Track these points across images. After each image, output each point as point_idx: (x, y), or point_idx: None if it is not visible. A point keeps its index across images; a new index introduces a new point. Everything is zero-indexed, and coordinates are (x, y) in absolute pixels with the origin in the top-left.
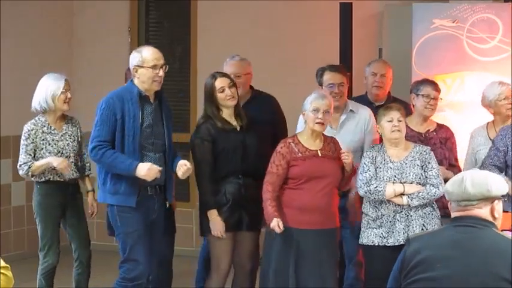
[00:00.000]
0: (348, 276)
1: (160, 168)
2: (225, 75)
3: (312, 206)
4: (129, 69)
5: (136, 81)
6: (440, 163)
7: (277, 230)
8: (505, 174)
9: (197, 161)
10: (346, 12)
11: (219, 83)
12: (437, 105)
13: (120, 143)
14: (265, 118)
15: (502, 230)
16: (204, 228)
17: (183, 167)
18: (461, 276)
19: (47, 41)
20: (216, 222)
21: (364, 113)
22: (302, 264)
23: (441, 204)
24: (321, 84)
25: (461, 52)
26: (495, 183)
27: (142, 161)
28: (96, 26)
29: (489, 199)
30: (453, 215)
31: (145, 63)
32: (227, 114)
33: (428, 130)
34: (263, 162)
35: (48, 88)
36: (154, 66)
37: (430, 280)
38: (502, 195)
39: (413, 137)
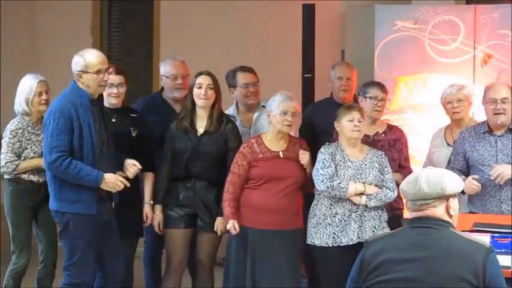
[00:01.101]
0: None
1: (124, 180)
2: (210, 75)
3: (269, 206)
4: None
5: (80, 85)
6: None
7: (233, 232)
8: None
9: (159, 158)
10: (308, 14)
11: (200, 79)
12: (385, 106)
13: (78, 151)
14: None
15: (462, 231)
16: (166, 223)
17: (133, 167)
18: (421, 278)
19: (9, 41)
20: (156, 218)
21: None
22: (259, 264)
23: (389, 206)
24: (234, 86)
25: (423, 54)
26: (449, 181)
27: (98, 165)
28: (58, 26)
29: (444, 197)
30: (410, 215)
31: (89, 68)
32: (201, 114)
33: (377, 132)
34: (220, 168)
35: (22, 91)
36: (98, 71)
37: (390, 282)
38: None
39: (362, 140)
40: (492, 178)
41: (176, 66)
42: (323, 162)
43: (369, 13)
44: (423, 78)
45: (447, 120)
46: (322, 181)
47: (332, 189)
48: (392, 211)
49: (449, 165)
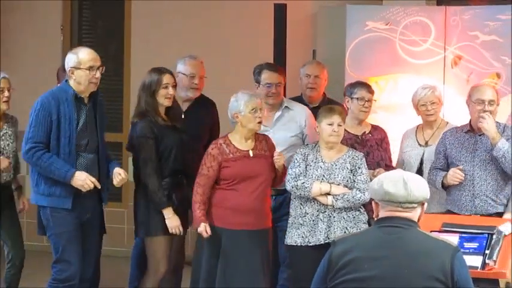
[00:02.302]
0: (280, 277)
1: (94, 180)
2: (171, 73)
3: (246, 207)
4: (62, 69)
5: (72, 82)
6: (378, 165)
7: (205, 235)
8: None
9: (143, 160)
10: (280, 13)
11: (166, 79)
12: (372, 107)
13: (55, 145)
14: (204, 122)
15: (431, 231)
16: (152, 228)
17: (119, 176)
18: (389, 276)
19: None
20: (174, 220)
21: (300, 110)
22: (233, 265)
23: (371, 207)
24: (258, 82)
25: (394, 54)
26: (427, 186)
27: (76, 161)
28: (28, 24)
29: (424, 202)
30: (383, 214)
31: (81, 64)
32: (162, 112)
33: (365, 132)
34: (196, 163)
35: None
36: (90, 68)
37: (358, 281)
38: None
39: (350, 139)
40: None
41: (195, 65)
42: (294, 162)
43: (340, 13)
44: (394, 79)
45: (418, 121)
46: (288, 180)
47: (296, 188)
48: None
49: (432, 164)
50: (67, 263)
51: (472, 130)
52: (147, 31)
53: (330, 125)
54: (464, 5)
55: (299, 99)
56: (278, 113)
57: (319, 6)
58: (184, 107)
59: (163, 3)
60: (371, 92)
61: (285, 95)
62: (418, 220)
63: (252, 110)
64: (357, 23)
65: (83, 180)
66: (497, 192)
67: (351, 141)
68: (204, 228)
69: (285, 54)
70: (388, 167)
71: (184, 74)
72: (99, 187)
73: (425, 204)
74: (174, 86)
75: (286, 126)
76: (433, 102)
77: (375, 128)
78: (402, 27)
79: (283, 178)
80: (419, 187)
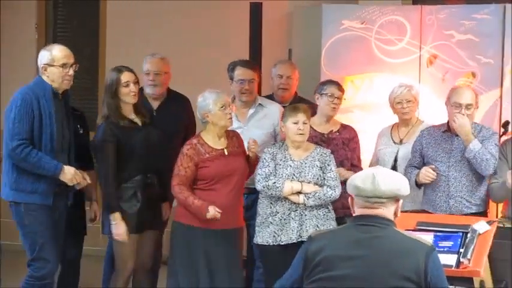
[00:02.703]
0: (256, 273)
1: (86, 176)
2: (131, 70)
3: (224, 205)
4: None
5: (45, 79)
6: (341, 164)
7: (218, 216)
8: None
9: (101, 163)
10: (256, 12)
11: (125, 77)
12: (341, 105)
13: (38, 141)
14: (178, 118)
15: (405, 230)
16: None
17: (83, 180)
18: (364, 275)
19: None
20: (120, 227)
21: (274, 108)
22: (212, 264)
23: (341, 204)
24: (231, 78)
25: (369, 53)
26: (403, 183)
27: (57, 157)
28: (2, 22)
29: (396, 198)
30: (357, 212)
31: (55, 61)
32: (127, 110)
33: (332, 131)
34: (169, 161)
35: None
36: (64, 65)
37: (332, 279)
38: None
39: (315, 137)
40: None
41: (152, 63)
42: (262, 162)
43: (316, 12)
44: (370, 78)
45: (394, 120)
46: (259, 181)
47: (268, 188)
48: (343, 210)
49: (408, 162)
50: (45, 261)
51: (449, 130)
52: (122, 30)
53: (295, 123)
54: (439, 4)
55: (271, 98)
56: (252, 110)
57: (295, 6)
58: (155, 104)
59: (139, 3)
60: (341, 90)
61: (260, 94)
62: (395, 217)
63: (222, 107)
64: (332, 22)
65: (72, 174)
66: (472, 193)
67: (316, 139)
68: (214, 211)
69: (260, 53)
70: (355, 167)
71: (144, 71)
72: (89, 182)
73: (400, 201)
74: (136, 83)
75: (259, 124)
76: (409, 101)
77: (345, 127)
78: (378, 26)
79: (255, 166)
80: (388, 182)
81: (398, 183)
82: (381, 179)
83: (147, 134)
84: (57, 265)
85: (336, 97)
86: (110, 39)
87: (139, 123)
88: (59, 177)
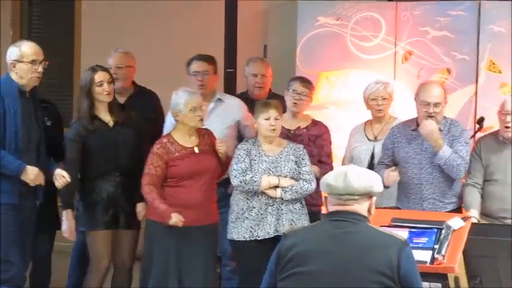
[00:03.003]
0: (224, 270)
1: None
2: (105, 69)
3: (193, 202)
4: None
5: (14, 75)
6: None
7: (180, 224)
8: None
9: (67, 161)
10: (231, 9)
11: (99, 76)
12: (309, 102)
13: (2, 140)
14: (146, 115)
15: (380, 226)
16: (91, 223)
17: (62, 179)
18: (337, 270)
19: None
20: (69, 224)
21: (233, 102)
22: (185, 261)
23: (306, 202)
24: (189, 73)
25: (345, 50)
26: (376, 180)
27: (21, 157)
28: None
29: (369, 195)
30: (330, 209)
31: (24, 58)
32: (101, 109)
33: (299, 127)
34: (141, 160)
35: None
36: (33, 62)
37: (306, 274)
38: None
39: (282, 133)
40: (423, 131)
41: (114, 57)
42: (237, 157)
43: (291, 9)
44: (345, 74)
45: (368, 116)
46: (236, 176)
47: (245, 183)
48: (309, 207)
49: (378, 160)
50: (10, 263)
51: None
52: (97, 26)
53: (266, 119)
54: (415, 1)
55: (244, 95)
56: (211, 105)
57: (271, 2)
58: (121, 100)
59: (114, 3)
60: (306, 86)
61: (235, 90)
62: (370, 214)
63: (191, 109)
64: (308, 18)
65: (35, 174)
66: (445, 194)
67: (282, 136)
68: (177, 219)
69: (235, 50)
70: (323, 164)
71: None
72: (69, 180)
73: (374, 198)
74: (111, 82)
75: (220, 118)
76: (384, 98)
77: (315, 123)
78: (353, 22)
79: (227, 166)
80: (361, 179)
81: (371, 180)
82: (353, 176)
83: (115, 134)
84: (23, 267)
85: (298, 93)
86: (85, 37)
87: (111, 123)
88: (21, 177)
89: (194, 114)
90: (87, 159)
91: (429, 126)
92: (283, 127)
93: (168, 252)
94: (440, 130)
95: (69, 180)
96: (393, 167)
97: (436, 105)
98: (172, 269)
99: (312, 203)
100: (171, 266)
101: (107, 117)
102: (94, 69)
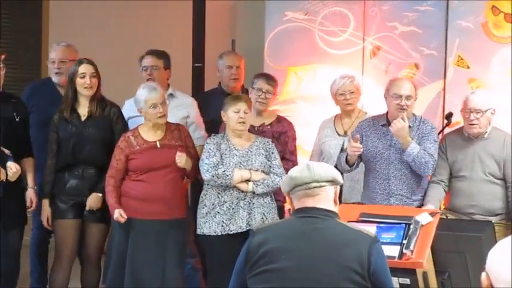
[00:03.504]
0: (185, 268)
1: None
2: (91, 63)
3: (153, 196)
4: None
5: None
6: None
7: (121, 220)
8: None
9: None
10: (199, 3)
11: (82, 68)
12: (274, 99)
13: None
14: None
15: (348, 221)
16: (57, 212)
17: (10, 170)
18: (306, 267)
19: None
20: (44, 213)
21: (185, 99)
22: (143, 254)
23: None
24: (140, 68)
25: (313, 45)
26: (337, 171)
27: None
28: None
29: (334, 183)
30: (297, 205)
31: None
32: (82, 102)
33: (263, 124)
34: (108, 154)
35: None
36: None
37: (275, 272)
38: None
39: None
40: (393, 129)
41: (55, 51)
42: (208, 152)
43: (259, 4)
44: (313, 69)
45: (336, 111)
46: (207, 170)
47: (217, 177)
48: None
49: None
50: None
51: (389, 123)
52: (65, 21)
53: (236, 112)
54: None
55: (218, 90)
56: None
57: None
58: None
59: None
60: (270, 84)
61: (204, 84)
62: (336, 204)
63: (152, 106)
64: (276, 13)
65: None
66: (412, 190)
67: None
68: (118, 214)
69: (203, 44)
70: (286, 160)
71: (49, 60)
72: (16, 170)
73: (338, 188)
74: (94, 77)
75: (171, 114)
76: (352, 92)
77: (280, 120)
78: (321, 17)
79: (193, 174)
80: (324, 167)
81: (333, 169)
82: (316, 165)
83: (82, 127)
84: None
85: (263, 91)
86: (53, 30)
87: (84, 117)
88: None
89: (154, 110)
90: (57, 150)
91: (399, 124)
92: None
93: (125, 245)
94: (409, 127)
95: (18, 171)
96: (357, 136)
97: (407, 97)
98: (128, 264)
99: (275, 198)
100: (128, 260)
101: (84, 111)
102: (80, 62)
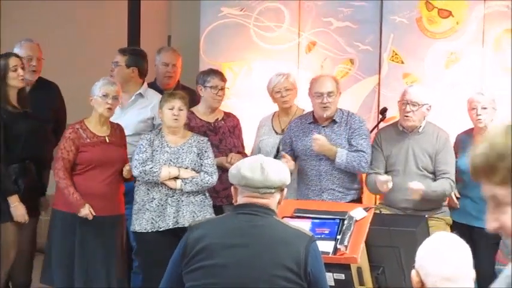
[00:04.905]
0: (133, 265)
1: None
2: (17, 56)
3: (96, 192)
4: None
5: None
6: (230, 151)
7: (90, 217)
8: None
9: None
10: None
11: (13, 61)
12: (225, 94)
13: None
14: (49, 105)
15: (283, 217)
16: (1, 214)
17: None
18: (243, 264)
19: None
20: (19, 208)
21: (155, 100)
22: (86, 250)
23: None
24: None
25: (248, 40)
26: (287, 171)
27: None
28: None
29: (282, 187)
30: (241, 200)
31: None
32: (12, 96)
33: (217, 119)
34: (47, 149)
35: None
36: None
37: (212, 268)
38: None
39: (202, 126)
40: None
41: (32, 48)
42: (139, 147)
43: None
44: (248, 65)
45: (272, 107)
46: (136, 166)
47: (145, 173)
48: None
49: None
50: None
51: (316, 121)
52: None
53: (170, 109)
54: None
55: (153, 86)
56: (132, 98)
57: None
58: None
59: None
60: (224, 80)
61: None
62: (278, 205)
63: (104, 95)
64: (211, 8)
65: None
66: (344, 184)
67: (204, 129)
68: (87, 211)
69: (139, 40)
70: (241, 154)
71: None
72: None
73: (285, 191)
74: (23, 68)
75: (135, 112)
76: (288, 89)
77: (228, 115)
78: (257, 13)
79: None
80: (277, 172)
81: (284, 172)
82: (270, 169)
83: (31, 121)
84: None
85: (219, 88)
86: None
87: (23, 111)
88: None
89: (104, 100)
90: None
91: (318, 141)
92: (203, 120)
93: (72, 244)
94: (336, 122)
95: None
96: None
97: (329, 94)
98: (77, 264)
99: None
100: (76, 260)
101: (17, 105)
102: (8, 55)
